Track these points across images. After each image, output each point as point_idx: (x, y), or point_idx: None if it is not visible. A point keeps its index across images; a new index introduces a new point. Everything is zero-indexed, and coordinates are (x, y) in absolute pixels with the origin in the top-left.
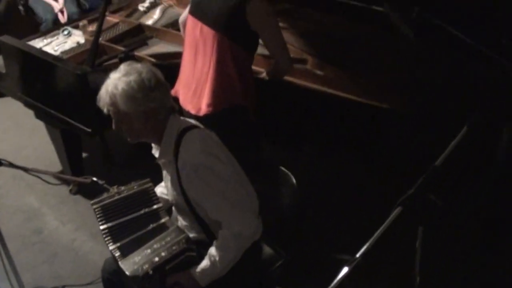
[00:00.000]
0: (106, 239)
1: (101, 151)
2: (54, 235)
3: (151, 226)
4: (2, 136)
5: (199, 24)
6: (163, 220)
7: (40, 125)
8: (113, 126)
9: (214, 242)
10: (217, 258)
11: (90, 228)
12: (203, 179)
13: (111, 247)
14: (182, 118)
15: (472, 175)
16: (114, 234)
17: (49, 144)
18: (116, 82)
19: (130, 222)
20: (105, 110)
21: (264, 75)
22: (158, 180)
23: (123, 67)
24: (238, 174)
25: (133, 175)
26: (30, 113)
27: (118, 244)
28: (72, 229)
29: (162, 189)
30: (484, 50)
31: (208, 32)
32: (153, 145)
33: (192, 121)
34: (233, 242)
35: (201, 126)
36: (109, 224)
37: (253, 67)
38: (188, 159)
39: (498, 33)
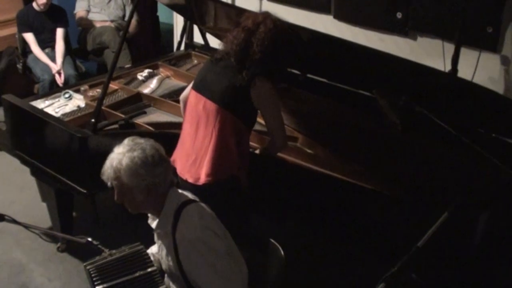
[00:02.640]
0: None
1: (90, 211)
2: None
3: None
4: None
5: (203, 99)
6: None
7: (30, 182)
8: (115, 198)
9: None
10: None
11: (76, 286)
12: (199, 254)
13: None
14: (180, 191)
15: (451, 257)
16: None
17: (38, 201)
18: (120, 157)
19: (126, 285)
20: (109, 184)
21: (257, 151)
22: (146, 243)
23: (127, 142)
24: (231, 248)
25: (121, 237)
26: (21, 169)
27: None
28: (58, 286)
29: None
30: (465, 140)
31: (212, 107)
32: (149, 215)
33: (189, 195)
34: None
35: (198, 199)
36: (105, 285)
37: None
38: (186, 233)
39: (478, 125)
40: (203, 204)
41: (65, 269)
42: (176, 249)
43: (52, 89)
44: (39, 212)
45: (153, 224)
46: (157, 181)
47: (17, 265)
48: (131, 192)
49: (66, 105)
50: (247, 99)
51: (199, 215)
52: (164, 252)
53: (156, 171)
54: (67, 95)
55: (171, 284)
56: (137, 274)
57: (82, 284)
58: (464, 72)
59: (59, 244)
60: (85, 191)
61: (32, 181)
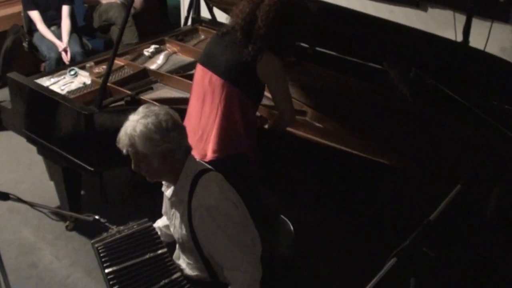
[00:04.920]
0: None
1: (98, 189)
2: (49, 270)
3: (163, 282)
4: (0, 169)
5: (209, 73)
6: (175, 276)
7: (38, 161)
8: (132, 166)
9: None
10: None
11: (84, 264)
12: (215, 222)
13: None
14: (198, 160)
15: (465, 229)
16: (122, 282)
17: (46, 180)
18: (134, 124)
19: (137, 269)
20: (124, 151)
21: (266, 125)
22: (154, 219)
23: (141, 110)
24: (246, 219)
25: (128, 213)
26: (29, 148)
27: None
28: (67, 265)
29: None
30: (477, 112)
31: (218, 81)
32: (164, 183)
33: (207, 165)
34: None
35: (215, 170)
36: (115, 268)
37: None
38: (204, 200)
39: (491, 96)
40: (221, 175)
41: (74, 248)
42: (190, 216)
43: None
44: (47, 191)
45: (167, 192)
46: (172, 147)
47: (26, 245)
48: (147, 159)
49: (72, 82)
50: (253, 74)
51: (218, 183)
52: (177, 221)
53: (170, 136)
54: (72, 72)
55: (181, 254)
56: (147, 256)
57: (91, 262)
58: (476, 43)
59: (67, 223)
60: (92, 169)
61: (40, 160)
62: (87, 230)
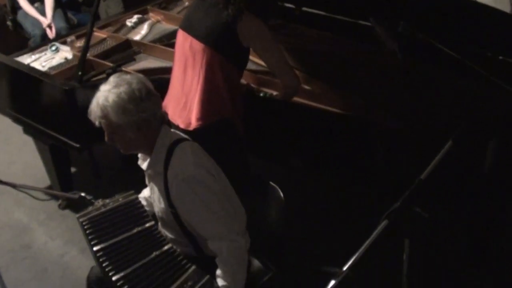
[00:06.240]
0: (104, 265)
1: (89, 166)
2: (43, 251)
3: (154, 254)
4: None
5: (189, 38)
6: (166, 248)
7: (29, 141)
8: (106, 139)
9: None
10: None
11: (78, 243)
12: (193, 192)
13: (115, 278)
14: (172, 130)
15: (459, 187)
16: (112, 258)
17: (38, 160)
18: (106, 94)
19: (126, 244)
20: (96, 123)
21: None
22: None
23: (112, 79)
24: (226, 188)
25: (121, 190)
26: (19, 128)
27: (122, 274)
28: (61, 244)
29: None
30: (470, 64)
31: (198, 46)
32: (139, 156)
33: (182, 134)
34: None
35: (191, 139)
36: (102, 245)
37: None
38: (179, 170)
39: (483, 46)
40: (197, 144)
41: (67, 226)
42: (167, 188)
43: None
44: (39, 171)
45: (144, 165)
46: (146, 116)
47: (19, 226)
48: (121, 130)
49: (53, 58)
50: (234, 37)
51: (193, 153)
52: (156, 194)
53: (145, 106)
54: (53, 48)
55: (163, 230)
56: (135, 231)
57: (85, 241)
58: None
59: (60, 202)
60: (77, 145)
61: (31, 140)
62: (80, 208)
